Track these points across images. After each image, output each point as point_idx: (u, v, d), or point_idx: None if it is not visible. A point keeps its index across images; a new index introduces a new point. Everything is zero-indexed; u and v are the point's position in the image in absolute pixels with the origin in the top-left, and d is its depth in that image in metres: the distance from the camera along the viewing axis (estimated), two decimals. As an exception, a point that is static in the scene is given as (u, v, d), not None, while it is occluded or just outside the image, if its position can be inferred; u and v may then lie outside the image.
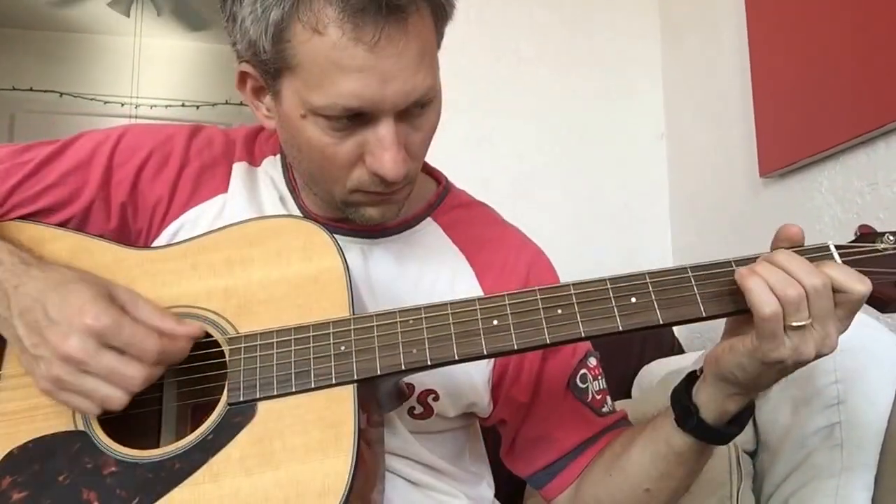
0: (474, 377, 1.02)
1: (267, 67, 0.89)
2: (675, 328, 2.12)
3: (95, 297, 0.83)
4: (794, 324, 0.78)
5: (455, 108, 2.25)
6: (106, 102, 5.28)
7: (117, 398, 0.81)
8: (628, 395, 1.85)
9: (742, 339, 0.82)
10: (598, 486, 1.02)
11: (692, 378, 0.93)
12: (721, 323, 0.89)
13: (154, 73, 5.38)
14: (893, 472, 1.17)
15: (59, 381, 0.81)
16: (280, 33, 0.84)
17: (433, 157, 1.10)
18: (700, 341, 2.11)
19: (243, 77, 0.95)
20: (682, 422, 0.91)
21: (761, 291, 0.78)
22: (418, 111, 0.90)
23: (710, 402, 0.89)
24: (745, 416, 0.91)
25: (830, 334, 0.80)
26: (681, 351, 2.03)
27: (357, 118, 0.87)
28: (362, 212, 0.97)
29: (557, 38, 2.45)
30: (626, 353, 1.79)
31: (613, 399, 1.12)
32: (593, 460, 1.04)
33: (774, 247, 0.87)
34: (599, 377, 1.08)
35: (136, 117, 5.25)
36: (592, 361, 1.08)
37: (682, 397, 0.91)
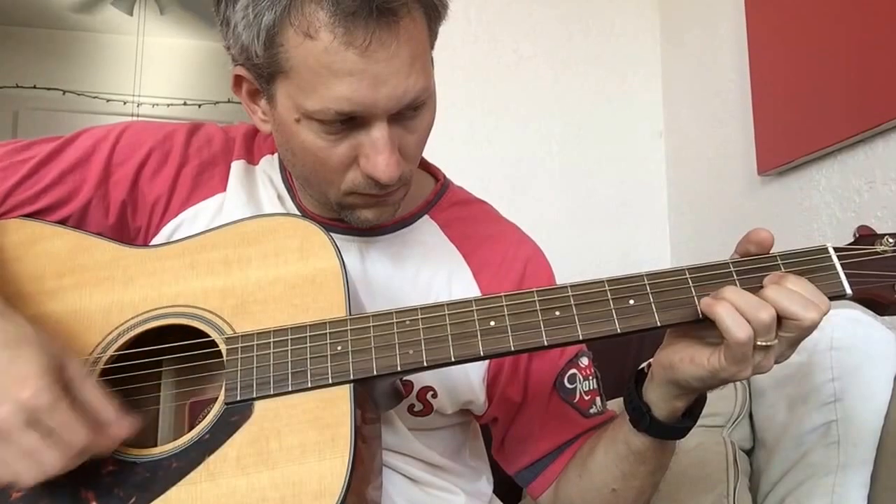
0: (471, 375, 1.03)
1: (260, 72, 0.89)
2: (673, 326, 2.12)
3: (42, 371, 0.77)
4: (762, 343, 0.78)
5: (454, 106, 2.28)
6: (108, 100, 5.29)
7: (27, 477, 0.76)
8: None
9: (707, 356, 0.82)
10: (571, 487, 1.03)
11: (641, 376, 0.93)
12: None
13: (156, 72, 5.39)
14: (890, 470, 1.17)
15: None
16: (272, 38, 0.84)
17: (432, 155, 1.11)
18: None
19: (238, 80, 0.96)
20: (636, 422, 0.91)
21: (733, 316, 0.78)
22: (412, 113, 0.91)
23: (659, 401, 0.89)
24: (697, 409, 0.91)
25: (784, 353, 0.81)
26: (679, 349, 2.03)
27: (350, 121, 0.87)
28: (357, 214, 0.97)
29: (556, 37, 2.45)
30: (623, 351, 1.79)
31: (610, 398, 1.12)
32: (569, 461, 1.05)
33: (742, 249, 0.86)
34: (591, 377, 1.08)
35: (138, 115, 5.25)
36: (584, 361, 1.08)
37: (633, 397, 0.92)
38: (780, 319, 0.79)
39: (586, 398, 1.07)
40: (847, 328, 1.23)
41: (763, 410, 1.35)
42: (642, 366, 0.94)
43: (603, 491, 0.98)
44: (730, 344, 0.78)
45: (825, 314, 0.79)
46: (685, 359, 0.84)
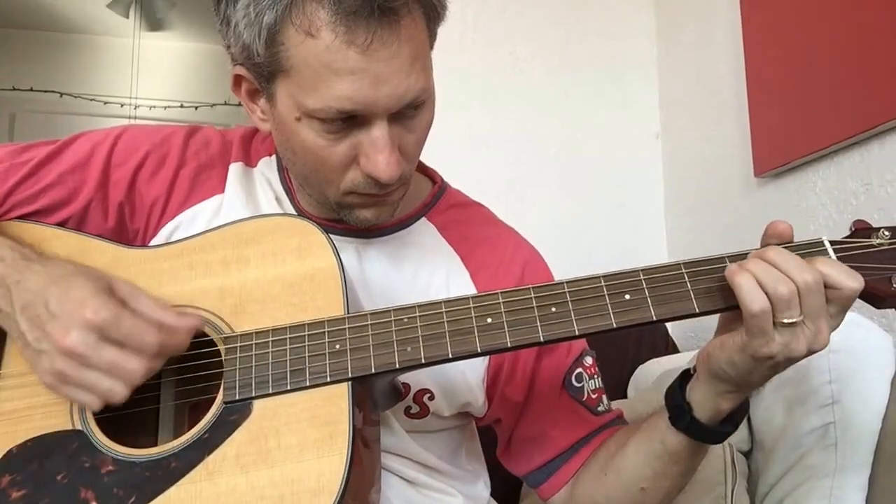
0: (469, 377, 1.03)
1: (261, 70, 0.89)
2: (669, 327, 2.12)
3: (96, 292, 0.83)
4: (785, 320, 0.78)
5: (451, 108, 2.28)
6: (105, 103, 5.28)
7: (118, 391, 0.81)
8: (624, 395, 1.86)
9: (732, 336, 0.82)
10: (593, 485, 1.02)
11: (686, 376, 0.93)
12: (716, 320, 0.90)
13: (153, 74, 5.38)
14: (887, 472, 1.17)
15: (62, 374, 0.81)
16: (273, 37, 0.85)
17: (429, 158, 1.11)
18: (695, 340, 2.11)
19: (238, 80, 0.96)
20: (676, 421, 0.91)
21: (750, 288, 0.78)
22: (412, 113, 0.91)
23: (703, 401, 0.88)
24: (738, 414, 0.90)
25: (822, 331, 0.80)
26: (675, 350, 2.04)
27: (351, 120, 0.87)
28: (356, 213, 0.97)
29: (553, 39, 2.46)
30: (622, 352, 1.80)
31: (609, 399, 1.12)
32: (588, 459, 1.04)
33: (764, 243, 0.87)
34: (596, 376, 1.08)
35: (136, 118, 5.24)
36: (588, 360, 1.08)
37: (676, 396, 0.91)
38: (824, 289, 0.79)
39: (594, 396, 1.07)
40: (845, 331, 1.22)
41: (761, 412, 1.35)
42: (688, 366, 0.94)
43: (631, 490, 0.97)
44: (745, 316, 0.79)
45: (861, 289, 0.80)
46: (717, 345, 0.85)
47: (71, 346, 0.80)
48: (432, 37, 0.93)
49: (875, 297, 0.84)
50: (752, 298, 0.78)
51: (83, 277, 0.86)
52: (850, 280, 0.79)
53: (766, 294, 0.78)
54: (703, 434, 0.90)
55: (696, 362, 0.89)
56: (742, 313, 0.80)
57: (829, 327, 0.80)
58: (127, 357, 0.81)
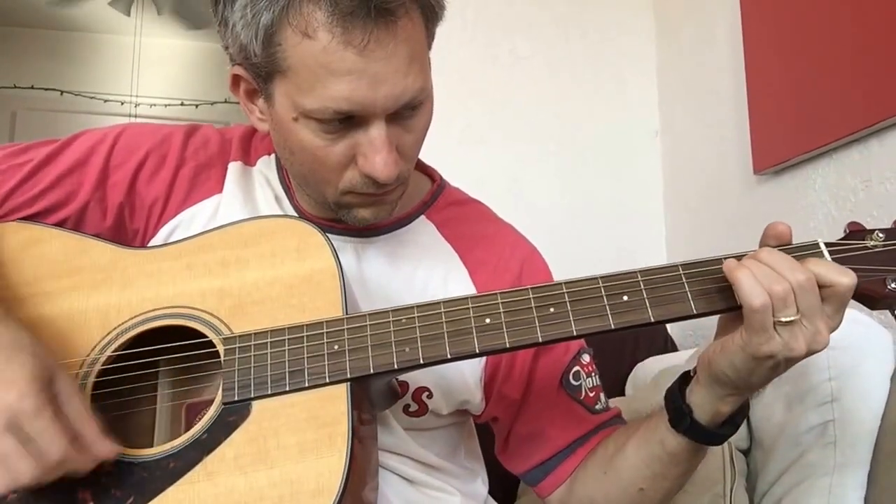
0: (466, 375, 1.03)
1: (258, 71, 0.89)
2: (668, 325, 2.12)
3: (32, 378, 0.78)
4: (783, 319, 0.78)
5: (451, 106, 2.28)
6: (106, 101, 5.28)
7: None
8: (622, 393, 1.86)
9: (732, 337, 0.82)
10: (591, 484, 1.02)
11: (686, 378, 0.93)
12: (715, 319, 0.90)
13: (154, 72, 5.37)
14: (887, 470, 1.17)
15: None
16: (270, 37, 0.85)
17: (428, 155, 1.11)
18: (693, 339, 2.11)
19: (236, 80, 0.96)
20: (676, 423, 0.91)
21: (751, 282, 0.79)
22: (409, 113, 0.91)
23: (703, 404, 0.89)
24: (738, 416, 0.90)
25: (821, 330, 0.80)
26: (674, 348, 2.04)
27: (348, 121, 0.87)
28: (354, 213, 0.97)
29: (553, 38, 2.46)
30: (620, 350, 1.80)
31: (607, 397, 1.12)
32: (586, 458, 1.04)
33: (762, 244, 0.87)
34: (593, 374, 1.09)
35: (136, 116, 5.24)
36: (586, 358, 1.09)
37: (676, 398, 0.91)
38: (819, 288, 0.79)
39: (591, 395, 1.07)
40: (844, 328, 1.22)
41: (760, 410, 1.35)
42: (688, 368, 0.94)
43: (629, 490, 0.97)
44: (747, 312, 0.79)
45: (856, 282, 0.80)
46: (718, 348, 0.85)
47: None
48: (430, 37, 0.93)
49: (870, 298, 0.84)
50: (754, 293, 0.78)
51: (29, 357, 0.80)
52: (842, 276, 0.79)
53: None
54: (702, 436, 0.90)
55: (697, 365, 0.89)
56: (742, 312, 0.80)
57: (827, 327, 0.80)
58: (22, 456, 0.76)
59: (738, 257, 0.84)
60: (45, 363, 0.81)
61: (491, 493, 1.19)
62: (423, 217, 1.10)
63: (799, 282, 0.78)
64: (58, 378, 0.81)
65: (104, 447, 0.80)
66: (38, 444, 0.76)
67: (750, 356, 0.81)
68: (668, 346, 2.04)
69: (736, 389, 0.86)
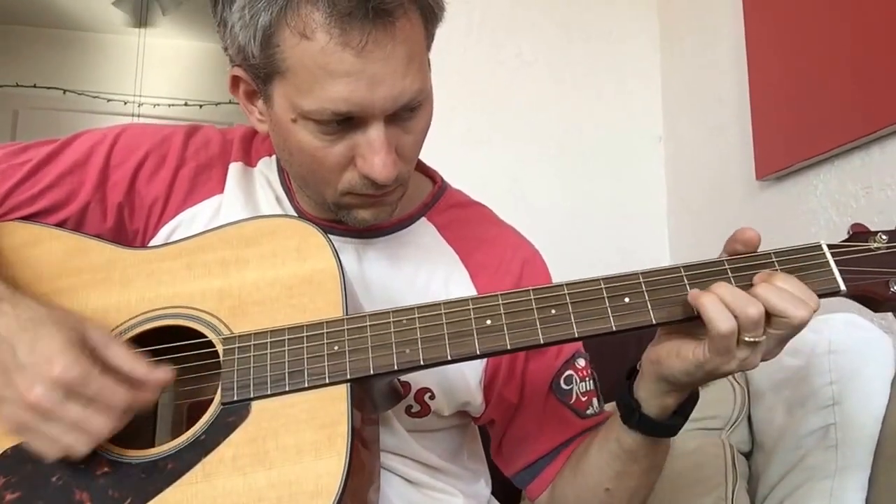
0: (468, 377, 1.03)
1: (257, 72, 0.89)
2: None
3: (65, 346, 0.79)
4: (748, 339, 0.79)
5: (455, 108, 2.28)
6: (109, 100, 5.28)
7: (80, 448, 0.79)
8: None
9: (692, 348, 0.83)
10: (567, 487, 1.03)
11: (633, 373, 0.93)
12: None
13: (157, 72, 5.38)
14: (888, 473, 1.17)
15: (23, 426, 0.79)
16: (269, 38, 0.85)
17: (431, 157, 1.11)
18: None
19: (235, 81, 0.96)
20: (626, 419, 0.91)
21: (717, 309, 0.79)
22: (408, 114, 0.91)
23: (649, 398, 0.89)
24: (688, 406, 0.91)
25: (780, 344, 0.82)
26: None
27: (347, 122, 0.87)
28: (354, 214, 0.97)
29: (557, 42, 2.46)
30: (621, 352, 1.79)
31: (608, 400, 1.12)
32: (566, 462, 1.05)
33: (730, 248, 0.87)
34: (588, 378, 1.09)
35: (139, 116, 5.25)
36: (581, 363, 1.08)
37: (624, 394, 0.92)
38: (770, 317, 0.79)
39: (583, 399, 1.07)
40: (845, 332, 1.24)
41: (761, 413, 1.35)
42: (635, 364, 0.94)
43: (597, 491, 0.98)
44: (713, 336, 0.79)
45: (815, 312, 0.79)
46: (671, 353, 0.85)
47: (35, 401, 0.77)
48: (430, 38, 0.93)
49: (873, 300, 0.84)
50: (720, 318, 0.78)
51: (54, 326, 0.82)
52: (797, 310, 0.79)
53: (735, 315, 0.78)
54: (654, 429, 0.91)
55: (643, 362, 0.90)
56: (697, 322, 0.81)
57: (786, 341, 0.82)
58: (92, 415, 0.78)
59: (739, 257, 0.85)
60: (70, 326, 0.83)
61: (494, 494, 1.19)
62: (424, 219, 1.10)
63: (749, 317, 0.78)
64: (88, 334, 0.83)
65: (159, 375, 0.83)
66: (102, 399, 0.79)
67: (707, 372, 0.82)
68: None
69: (682, 388, 0.88)
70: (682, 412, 0.91)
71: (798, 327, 0.80)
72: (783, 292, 0.79)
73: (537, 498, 1.07)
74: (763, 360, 0.82)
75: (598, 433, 0.99)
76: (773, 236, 0.86)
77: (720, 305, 0.79)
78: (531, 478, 1.07)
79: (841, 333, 1.24)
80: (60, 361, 0.78)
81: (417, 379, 1.00)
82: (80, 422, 0.78)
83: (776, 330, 0.80)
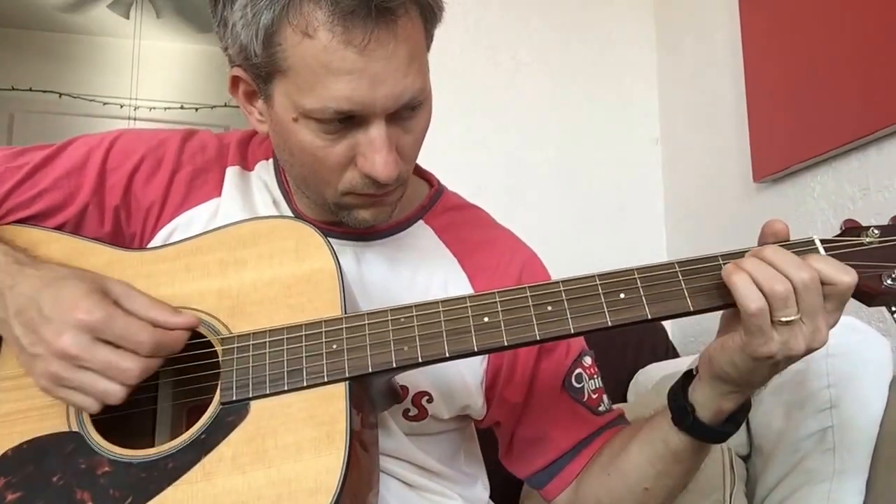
0: (468, 379, 1.03)
1: (258, 71, 0.89)
2: (669, 331, 2.12)
3: (88, 293, 0.83)
4: (783, 319, 0.78)
5: (452, 111, 2.28)
6: (105, 104, 5.28)
7: (115, 391, 0.81)
8: (624, 399, 1.86)
9: (732, 336, 0.82)
10: (597, 485, 1.02)
11: (689, 377, 0.93)
12: (716, 322, 0.90)
13: (153, 75, 5.38)
14: (885, 476, 1.17)
15: (57, 377, 0.81)
16: (270, 37, 0.85)
17: (430, 160, 1.11)
18: (694, 345, 2.11)
19: (235, 81, 0.96)
20: (678, 421, 0.91)
21: (746, 287, 0.78)
22: (409, 113, 0.91)
23: (705, 401, 0.89)
24: (740, 414, 0.91)
25: (820, 328, 0.80)
26: (675, 354, 2.04)
27: (348, 121, 0.87)
28: (354, 214, 0.97)
29: (554, 44, 2.47)
30: (622, 356, 1.80)
31: (609, 400, 1.12)
32: (591, 459, 1.04)
33: (761, 242, 0.87)
34: (595, 376, 1.09)
35: (135, 119, 5.24)
36: (588, 360, 1.09)
37: (679, 397, 0.92)
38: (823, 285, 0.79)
39: (594, 396, 1.07)
40: (843, 335, 1.23)
41: (759, 417, 1.35)
42: (690, 367, 0.94)
43: (635, 489, 0.97)
44: (743, 316, 0.79)
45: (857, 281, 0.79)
46: (718, 347, 0.85)
47: (64, 347, 0.80)
48: (429, 38, 0.93)
49: (866, 294, 0.84)
50: (750, 297, 0.78)
51: (76, 279, 0.86)
52: (845, 275, 0.79)
53: (763, 293, 0.78)
54: (705, 434, 0.91)
55: (699, 364, 0.90)
56: (740, 313, 0.80)
57: (826, 324, 0.80)
58: (122, 357, 0.81)
59: (738, 254, 0.85)
60: (91, 278, 0.87)
61: (492, 497, 1.19)
62: (421, 221, 1.10)
63: (803, 280, 0.78)
64: (109, 285, 0.87)
65: (185, 318, 0.86)
66: (129, 340, 0.82)
67: (749, 356, 0.81)
68: (670, 352, 2.04)
69: (737, 387, 0.86)
70: (734, 420, 0.90)
71: (846, 293, 0.79)
72: (829, 260, 0.80)
73: (556, 498, 1.06)
74: (815, 345, 0.80)
75: (639, 433, 0.98)
76: (786, 223, 0.87)
77: (750, 283, 0.78)
78: (549, 478, 1.06)
79: (838, 337, 1.22)
80: (83, 305, 0.81)
81: (416, 382, 1.00)
82: (111, 364, 0.80)
83: (829, 301, 0.79)
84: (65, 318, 0.81)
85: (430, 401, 1.02)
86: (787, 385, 1.28)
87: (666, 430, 0.93)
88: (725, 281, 0.81)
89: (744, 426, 1.39)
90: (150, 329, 0.83)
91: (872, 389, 1.21)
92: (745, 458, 1.39)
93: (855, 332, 1.24)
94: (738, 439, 1.39)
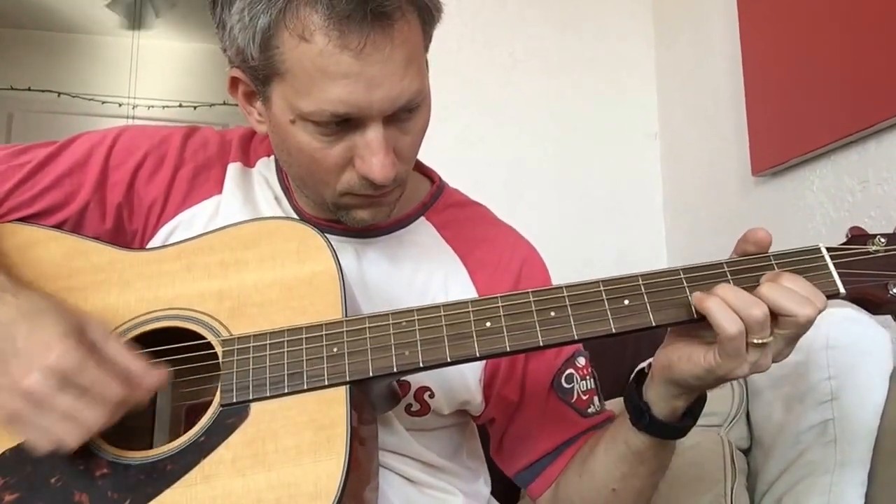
0: (467, 376, 1.03)
1: (256, 74, 0.90)
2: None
3: (65, 335, 0.79)
4: (757, 341, 0.79)
5: (449, 108, 2.28)
6: (104, 102, 5.27)
7: (70, 440, 0.77)
8: (622, 394, 1.86)
9: (703, 353, 0.82)
10: (571, 487, 1.03)
11: (641, 375, 0.93)
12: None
13: (152, 74, 5.37)
14: (887, 468, 1.17)
15: (16, 415, 0.78)
16: (268, 40, 0.85)
17: (427, 157, 1.11)
18: (695, 339, 2.11)
19: (234, 82, 0.96)
20: (635, 421, 0.91)
21: (723, 311, 0.78)
22: (407, 115, 0.91)
23: (659, 401, 0.89)
24: (697, 408, 0.91)
25: (790, 343, 0.81)
26: (675, 349, 2.03)
27: (345, 123, 0.88)
28: (353, 214, 0.97)
29: (551, 40, 2.46)
30: (621, 352, 1.79)
31: (608, 398, 1.12)
32: (570, 461, 1.05)
33: (740, 249, 0.87)
34: (588, 377, 1.09)
35: (134, 118, 5.24)
36: (581, 361, 1.08)
37: (633, 396, 0.92)
38: (776, 317, 0.79)
39: (584, 398, 1.07)
40: (843, 327, 1.24)
41: (760, 409, 1.35)
42: (642, 365, 0.94)
43: (603, 491, 0.98)
44: (722, 339, 0.79)
45: (821, 311, 0.79)
46: (682, 357, 0.84)
47: (29, 387, 0.76)
48: (427, 39, 0.93)
49: (872, 303, 0.84)
50: (727, 321, 0.78)
51: (55, 315, 0.81)
52: (802, 307, 0.78)
53: (740, 317, 0.78)
54: (663, 431, 0.91)
55: (653, 366, 0.90)
56: (705, 324, 0.80)
57: (795, 341, 0.82)
58: (86, 406, 0.77)
59: (738, 262, 0.85)
60: (71, 318, 0.82)
61: (494, 493, 1.19)
62: (422, 218, 1.11)
63: (756, 318, 0.78)
64: (88, 328, 0.82)
65: (155, 376, 0.82)
66: (96, 392, 0.78)
67: (718, 377, 0.82)
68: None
69: (692, 391, 0.88)
70: (691, 414, 0.91)
71: (805, 326, 0.79)
72: (789, 291, 0.79)
73: (539, 497, 1.07)
74: (774, 361, 0.82)
75: (605, 434, 0.98)
76: (770, 232, 0.86)
77: (726, 308, 0.78)
78: (533, 477, 1.07)
79: (839, 329, 1.24)
80: (57, 349, 0.77)
81: (417, 378, 1.00)
82: (72, 412, 0.77)
83: (783, 330, 0.80)
84: (35, 357, 0.77)
85: (431, 396, 1.02)
86: (787, 378, 1.28)
87: (626, 430, 0.93)
88: (698, 308, 0.81)
89: (744, 419, 1.40)
90: (119, 384, 0.79)
91: (873, 381, 1.21)
92: (746, 452, 1.39)
93: (855, 323, 1.24)
94: (738, 432, 1.39)
